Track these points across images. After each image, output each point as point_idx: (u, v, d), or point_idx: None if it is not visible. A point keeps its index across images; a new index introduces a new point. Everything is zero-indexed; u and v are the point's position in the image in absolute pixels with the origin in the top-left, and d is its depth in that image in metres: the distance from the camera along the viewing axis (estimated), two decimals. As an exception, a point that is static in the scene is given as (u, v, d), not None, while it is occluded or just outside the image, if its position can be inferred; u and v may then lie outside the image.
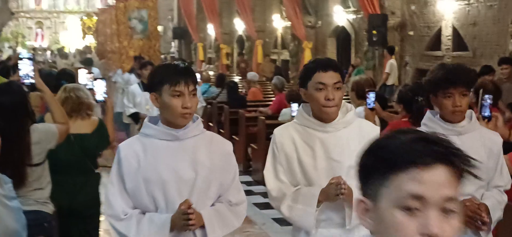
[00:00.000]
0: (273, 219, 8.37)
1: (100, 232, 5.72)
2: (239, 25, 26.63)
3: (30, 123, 4.41)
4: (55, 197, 4.76)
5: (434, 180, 1.45)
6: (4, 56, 25.86)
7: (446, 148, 1.46)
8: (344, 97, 3.93)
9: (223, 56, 27.82)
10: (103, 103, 6.08)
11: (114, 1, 20.18)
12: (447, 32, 14.96)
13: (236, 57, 28.02)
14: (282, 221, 8.25)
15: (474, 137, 3.75)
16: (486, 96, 4.91)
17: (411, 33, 16.33)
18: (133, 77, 13.24)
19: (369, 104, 6.38)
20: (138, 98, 9.33)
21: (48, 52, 32.73)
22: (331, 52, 21.19)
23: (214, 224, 3.29)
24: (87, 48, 29.77)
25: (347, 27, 19.68)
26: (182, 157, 3.25)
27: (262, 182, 10.15)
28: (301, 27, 20.96)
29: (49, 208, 4.64)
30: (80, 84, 5.90)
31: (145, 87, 9.17)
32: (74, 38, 37.51)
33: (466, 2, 14.23)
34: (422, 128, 3.59)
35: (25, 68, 4.51)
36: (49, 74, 6.51)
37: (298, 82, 3.71)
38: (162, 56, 25.06)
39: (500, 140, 3.93)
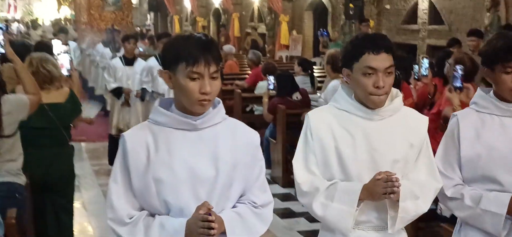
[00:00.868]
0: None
1: (74, 206, 5.68)
2: (216, -2, 26.53)
3: (1, 94, 4.35)
4: (28, 169, 4.73)
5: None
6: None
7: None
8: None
9: (199, 29, 27.67)
10: (68, 77, 6.06)
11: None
12: (423, 6, 15.00)
13: (213, 29, 27.92)
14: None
15: None
16: (458, 66, 4.96)
17: (388, 6, 16.37)
18: (107, 50, 12.97)
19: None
20: (119, 73, 9.10)
21: (15, 24, 32.18)
22: (308, 26, 21.19)
23: (236, 231, 2.75)
24: (59, 21, 29.51)
25: (324, 1, 19.64)
26: (201, 151, 2.70)
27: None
28: (277, 0, 20.88)
29: (22, 180, 4.61)
30: (50, 55, 5.78)
31: (127, 61, 9.10)
32: (48, 10, 37.06)
33: (443, -24, 14.27)
34: (473, 107, 3.27)
35: None
36: (22, 45, 6.42)
37: (340, 60, 3.12)
38: (137, 28, 24.85)
39: None
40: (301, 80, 9.73)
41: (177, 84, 2.65)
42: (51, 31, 21.01)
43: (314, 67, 11.66)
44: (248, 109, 10.65)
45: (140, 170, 2.66)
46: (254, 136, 2.89)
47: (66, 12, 32.67)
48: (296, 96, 8.86)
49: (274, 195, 7.97)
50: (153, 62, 8.94)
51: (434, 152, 3.23)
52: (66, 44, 8.95)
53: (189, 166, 2.67)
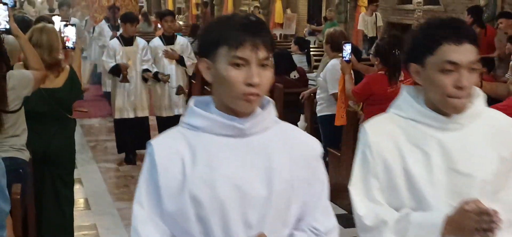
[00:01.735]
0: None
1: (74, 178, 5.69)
2: (210, -25, 26.39)
3: (5, 69, 4.35)
4: (29, 143, 4.73)
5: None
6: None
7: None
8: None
9: (193, 6, 27.55)
10: (71, 50, 5.96)
11: None
12: (419, -14, 15.02)
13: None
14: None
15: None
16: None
17: (383, -14, 16.34)
18: (107, 29, 12.45)
19: (345, 56, 6.38)
20: (119, 53, 8.52)
21: None
22: (303, 5, 21.15)
23: None
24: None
25: (319, -20, 19.62)
26: (250, 164, 2.12)
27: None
28: (272, -21, 20.85)
29: (25, 155, 4.62)
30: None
31: (126, 41, 8.58)
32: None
33: (439, -44, 14.26)
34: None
35: (0, 14, 4.43)
36: (22, 20, 6.38)
37: (405, 54, 2.48)
38: (143, 9, 24.38)
39: None
40: (297, 59, 9.74)
41: (217, 75, 2.08)
42: (46, 7, 20.73)
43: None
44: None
45: (174, 189, 2.10)
46: (315, 146, 2.28)
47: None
48: (294, 74, 8.87)
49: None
50: (157, 41, 8.85)
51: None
52: (66, 19, 8.49)
53: (235, 183, 2.09)
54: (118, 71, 8.47)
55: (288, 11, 20.83)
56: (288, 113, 8.54)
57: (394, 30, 13.99)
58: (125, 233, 6.26)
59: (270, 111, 2.20)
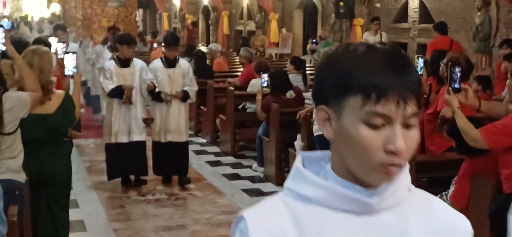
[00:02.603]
0: (242, 190, 8.40)
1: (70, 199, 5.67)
2: (205, -5, 26.48)
3: (2, 91, 4.34)
4: (23, 165, 4.72)
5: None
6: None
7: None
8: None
9: (188, 26, 27.64)
10: (70, 77, 5.92)
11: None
12: (413, 4, 15.08)
13: (202, 27, 27.90)
14: (251, 192, 8.29)
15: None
16: (456, 68, 5.00)
17: (378, 5, 16.42)
18: (106, 51, 11.98)
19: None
20: (115, 75, 8.13)
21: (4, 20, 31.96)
22: (298, 24, 21.23)
23: None
24: (55, 17, 29.17)
25: (314, -1, 19.71)
26: None
27: (230, 153, 10.26)
28: (268, -2, 20.92)
29: (21, 177, 4.61)
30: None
31: (122, 63, 8.19)
32: (37, 6, 36.90)
33: (433, -25, 14.34)
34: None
35: None
36: (18, 41, 6.38)
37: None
38: (139, 29, 24.34)
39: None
40: (293, 78, 9.76)
41: (342, 133, 1.46)
42: (42, 29, 20.75)
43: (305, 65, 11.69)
44: (240, 107, 10.66)
45: None
46: (464, 224, 1.60)
47: (56, 8, 32.39)
48: (290, 94, 8.88)
49: (268, 194, 8.10)
50: (157, 63, 8.53)
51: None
52: (63, 42, 8.13)
53: None
54: (120, 93, 8.11)
55: (284, 30, 20.90)
56: (285, 133, 8.58)
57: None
58: (120, 254, 6.23)
59: (405, 178, 1.53)
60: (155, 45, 18.61)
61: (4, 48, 4.47)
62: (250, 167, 9.57)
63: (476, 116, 5.34)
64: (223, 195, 8.18)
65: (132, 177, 8.52)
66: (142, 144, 8.40)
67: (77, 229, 6.84)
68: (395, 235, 1.50)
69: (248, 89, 10.51)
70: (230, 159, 10.18)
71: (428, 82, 6.55)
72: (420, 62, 6.47)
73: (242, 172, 9.40)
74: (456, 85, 5.02)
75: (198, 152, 10.61)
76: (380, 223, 1.50)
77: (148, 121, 8.52)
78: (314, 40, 17.34)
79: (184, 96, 8.51)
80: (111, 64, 8.31)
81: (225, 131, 10.74)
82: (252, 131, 9.83)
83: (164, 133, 8.48)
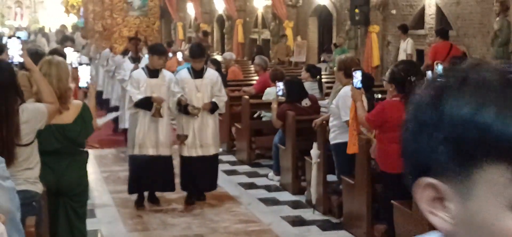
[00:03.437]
0: (258, 199, 8.38)
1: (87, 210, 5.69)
2: (219, 4, 26.47)
3: (19, 103, 4.37)
4: (42, 177, 4.74)
5: None
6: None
7: None
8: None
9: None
10: (86, 90, 5.95)
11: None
12: (430, 11, 14.97)
13: (216, 36, 27.95)
14: (267, 201, 8.27)
15: None
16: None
17: (394, 11, 16.35)
18: (127, 61, 11.30)
19: (356, 83, 6.33)
20: (142, 86, 7.87)
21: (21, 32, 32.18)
22: (313, 32, 21.21)
23: None
24: (64, 27, 29.49)
25: (329, 6, 19.65)
26: None
27: (246, 162, 10.25)
28: (282, 6, 20.89)
29: (39, 188, 4.63)
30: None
31: (151, 73, 7.95)
32: (53, 18, 37.20)
33: (449, -19, 14.27)
34: None
35: (14, 48, 4.48)
36: (35, 53, 6.42)
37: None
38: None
39: None
40: (309, 86, 9.74)
41: (472, 224, 0.93)
42: (55, 39, 20.83)
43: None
44: (255, 115, 10.65)
45: None
46: None
47: (74, 19, 32.57)
48: (305, 102, 8.86)
49: (284, 203, 8.11)
50: (184, 74, 8.28)
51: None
52: (77, 51, 8.01)
53: None
54: (148, 105, 7.83)
55: (299, 38, 20.88)
56: (301, 141, 8.56)
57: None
58: (138, 264, 6.23)
59: None
60: (170, 54, 18.61)
61: (21, 60, 4.51)
62: (266, 176, 9.57)
63: None
64: (239, 204, 8.17)
65: (146, 193, 8.19)
66: (169, 159, 8.11)
67: (94, 239, 6.87)
68: None
69: (263, 98, 10.50)
70: (246, 168, 10.18)
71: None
72: (439, 69, 6.44)
73: (258, 181, 9.40)
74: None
75: (214, 161, 10.60)
76: None
77: (181, 138, 8.16)
78: (326, 49, 17.27)
79: (213, 108, 8.22)
80: (139, 73, 8.10)
81: (240, 140, 10.75)
82: (268, 139, 9.83)
83: (193, 147, 8.20)
